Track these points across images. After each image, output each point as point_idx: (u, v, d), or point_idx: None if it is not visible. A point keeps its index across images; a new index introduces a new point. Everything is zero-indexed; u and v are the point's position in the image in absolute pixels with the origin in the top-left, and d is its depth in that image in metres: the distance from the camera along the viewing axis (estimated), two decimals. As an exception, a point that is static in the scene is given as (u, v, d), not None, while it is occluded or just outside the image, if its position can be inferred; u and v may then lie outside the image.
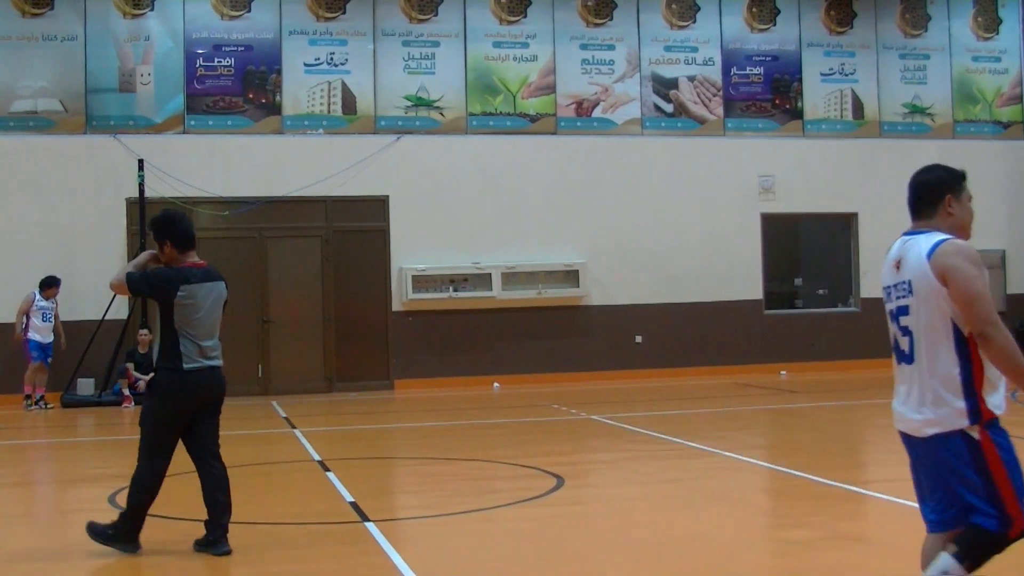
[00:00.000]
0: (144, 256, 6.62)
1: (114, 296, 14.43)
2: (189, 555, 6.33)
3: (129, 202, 16.00)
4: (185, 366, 6.28)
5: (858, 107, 19.06)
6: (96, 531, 6.42)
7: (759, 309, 18.43)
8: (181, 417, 6.35)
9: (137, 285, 6.44)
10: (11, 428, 13.65)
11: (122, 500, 6.87)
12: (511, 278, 17.27)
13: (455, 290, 17.14)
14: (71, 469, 10.76)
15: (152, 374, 6.51)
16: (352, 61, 17.18)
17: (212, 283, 6.47)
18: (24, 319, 15.13)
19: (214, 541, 6.29)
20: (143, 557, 6.34)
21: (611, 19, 18.13)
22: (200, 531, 6.39)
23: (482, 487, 8.82)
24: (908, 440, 4.14)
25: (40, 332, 15.18)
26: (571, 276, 17.52)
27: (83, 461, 11.25)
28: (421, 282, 16.98)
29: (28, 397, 15.11)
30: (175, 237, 6.43)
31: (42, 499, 9.48)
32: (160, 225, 6.50)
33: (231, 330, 16.46)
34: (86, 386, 15.65)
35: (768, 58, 18.75)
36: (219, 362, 6.47)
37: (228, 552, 6.26)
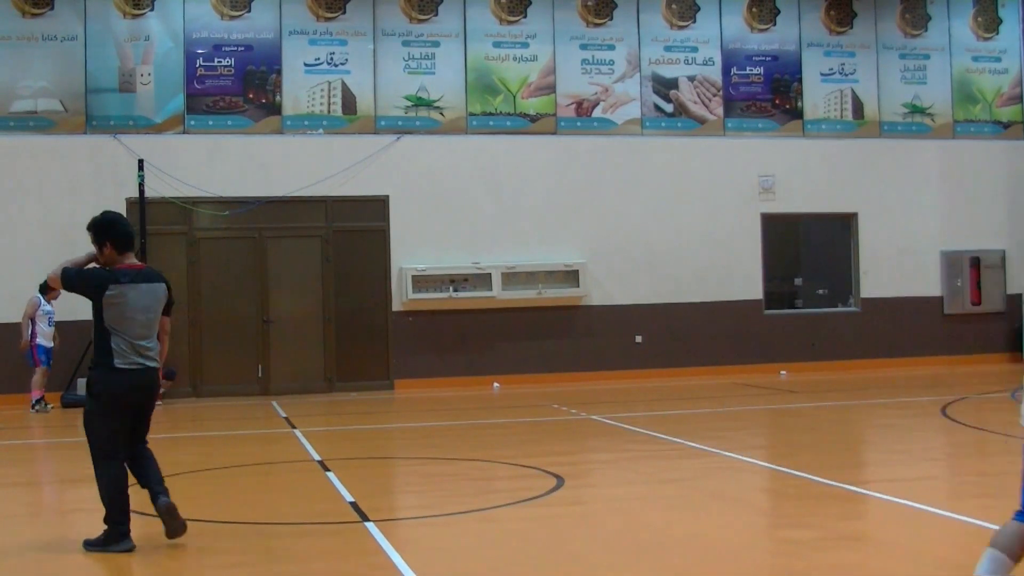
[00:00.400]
0: (84, 256, 6.70)
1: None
2: (188, 554, 6.34)
3: (129, 202, 15.99)
4: (117, 364, 6.39)
5: (858, 107, 19.05)
6: (92, 544, 6.51)
7: (759, 309, 18.43)
8: (122, 413, 6.45)
9: (70, 282, 6.53)
10: (12, 428, 13.66)
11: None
12: (511, 278, 17.27)
13: (455, 290, 17.14)
14: (71, 469, 10.75)
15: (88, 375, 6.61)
16: (352, 61, 17.18)
17: (148, 284, 6.55)
18: (30, 324, 15.10)
19: (160, 500, 6.41)
20: (142, 556, 6.36)
21: (611, 19, 18.13)
22: (197, 533, 6.40)
23: (482, 487, 8.82)
24: None
25: (46, 337, 15.16)
26: (571, 276, 17.52)
27: (83, 461, 11.19)
28: (421, 282, 16.98)
29: (38, 401, 15.11)
30: (115, 239, 6.56)
31: (42, 499, 9.49)
32: (101, 227, 6.60)
33: (231, 330, 16.69)
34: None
35: (768, 58, 18.75)
36: (154, 363, 6.54)
37: (170, 500, 6.45)
